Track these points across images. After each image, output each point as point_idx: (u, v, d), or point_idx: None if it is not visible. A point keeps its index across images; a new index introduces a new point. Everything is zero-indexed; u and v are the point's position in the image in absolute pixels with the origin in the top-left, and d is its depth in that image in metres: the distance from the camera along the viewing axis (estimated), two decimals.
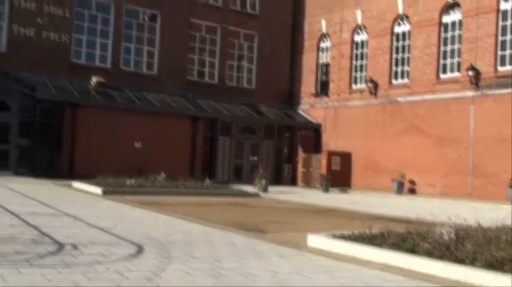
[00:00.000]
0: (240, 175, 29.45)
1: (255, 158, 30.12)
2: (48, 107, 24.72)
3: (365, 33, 28.91)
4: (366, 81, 28.26)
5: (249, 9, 31.88)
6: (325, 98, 30.75)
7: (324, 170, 27.66)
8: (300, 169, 30.88)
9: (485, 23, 23.29)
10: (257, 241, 8.06)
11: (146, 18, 28.89)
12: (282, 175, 30.80)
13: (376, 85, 27.69)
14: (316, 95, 31.45)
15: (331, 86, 30.50)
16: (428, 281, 5.63)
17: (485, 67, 23.17)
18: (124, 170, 19.27)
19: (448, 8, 25.08)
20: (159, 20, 28.90)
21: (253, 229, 9.43)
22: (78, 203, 13.26)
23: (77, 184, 18.58)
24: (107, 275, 5.13)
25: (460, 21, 24.52)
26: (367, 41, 28.76)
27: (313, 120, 31.21)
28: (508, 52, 22.82)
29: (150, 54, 28.78)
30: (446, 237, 6.56)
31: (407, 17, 26.77)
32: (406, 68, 26.76)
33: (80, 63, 26.75)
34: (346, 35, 29.76)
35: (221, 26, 30.58)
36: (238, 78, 31.63)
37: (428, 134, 25.02)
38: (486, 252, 5.83)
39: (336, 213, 14.30)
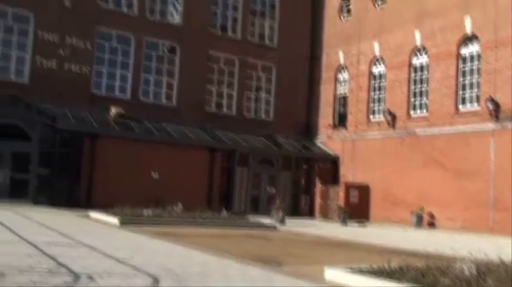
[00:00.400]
0: (257, 206, 29.35)
1: (272, 189, 30.03)
2: (68, 138, 25.02)
3: (383, 65, 28.98)
4: (384, 113, 28.20)
5: (267, 42, 32.24)
6: (343, 130, 30.71)
7: (341, 202, 27.45)
8: (318, 200, 30.67)
9: (503, 55, 23.22)
10: (274, 274, 7.97)
11: (166, 50, 29.36)
12: (299, 207, 30.62)
13: (394, 117, 27.61)
14: (334, 126, 31.44)
15: (349, 117, 30.49)
16: None
17: (505, 99, 22.99)
18: (141, 201, 19.27)
19: (466, 41, 25.08)
20: (178, 51, 29.34)
21: (270, 262, 9.34)
22: (95, 234, 13.29)
23: (94, 214, 18.67)
24: None
25: (478, 54, 24.50)
26: (385, 73, 28.80)
27: (331, 152, 31.12)
28: None
29: (169, 86, 29.13)
30: (467, 272, 6.43)
31: (424, 49, 26.81)
32: (424, 100, 26.67)
33: (99, 94, 27.17)
34: (363, 67, 29.86)
35: (239, 58, 30.92)
36: (256, 110, 31.80)
37: (447, 167, 24.75)
38: None
39: (353, 246, 14.13)
